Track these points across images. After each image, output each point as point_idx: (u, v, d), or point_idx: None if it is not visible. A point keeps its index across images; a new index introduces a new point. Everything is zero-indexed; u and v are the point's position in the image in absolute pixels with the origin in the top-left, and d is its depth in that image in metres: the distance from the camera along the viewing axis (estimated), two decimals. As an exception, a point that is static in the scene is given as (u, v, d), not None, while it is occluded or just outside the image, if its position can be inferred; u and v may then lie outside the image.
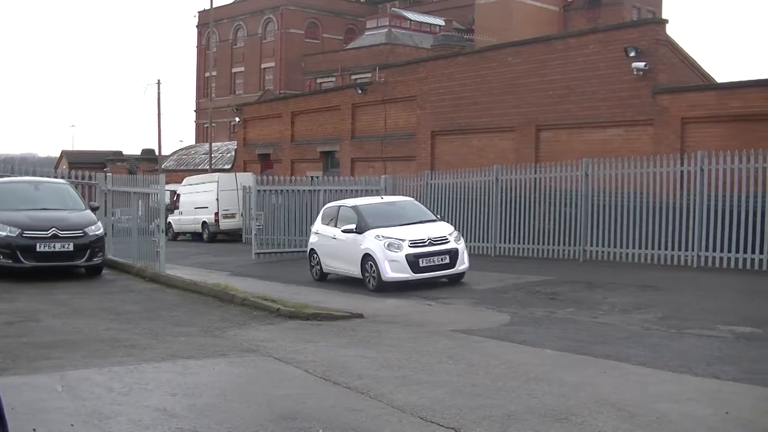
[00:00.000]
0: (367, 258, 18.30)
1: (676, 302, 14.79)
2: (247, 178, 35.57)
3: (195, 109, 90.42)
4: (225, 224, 37.93)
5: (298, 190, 28.60)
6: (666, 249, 20.80)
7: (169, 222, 38.06)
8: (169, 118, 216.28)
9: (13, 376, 8.99)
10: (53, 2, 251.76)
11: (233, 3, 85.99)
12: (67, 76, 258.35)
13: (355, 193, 26.82)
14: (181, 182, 42.57)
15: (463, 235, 20.27)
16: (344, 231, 19.28)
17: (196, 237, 39.75)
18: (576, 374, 9.29)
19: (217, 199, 37.72)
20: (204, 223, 38.77)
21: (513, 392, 8.42)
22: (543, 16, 64.90)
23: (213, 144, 54.67)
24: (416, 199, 22.44)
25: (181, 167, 57.56)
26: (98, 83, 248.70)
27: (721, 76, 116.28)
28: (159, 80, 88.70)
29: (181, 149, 65.37)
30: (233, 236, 37.52)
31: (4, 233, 17.07)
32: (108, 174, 26.15)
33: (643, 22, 32.68)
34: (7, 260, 17.12)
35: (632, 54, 24.41)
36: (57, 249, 17.33)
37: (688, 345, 10.95)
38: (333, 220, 20.34)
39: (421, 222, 19.13)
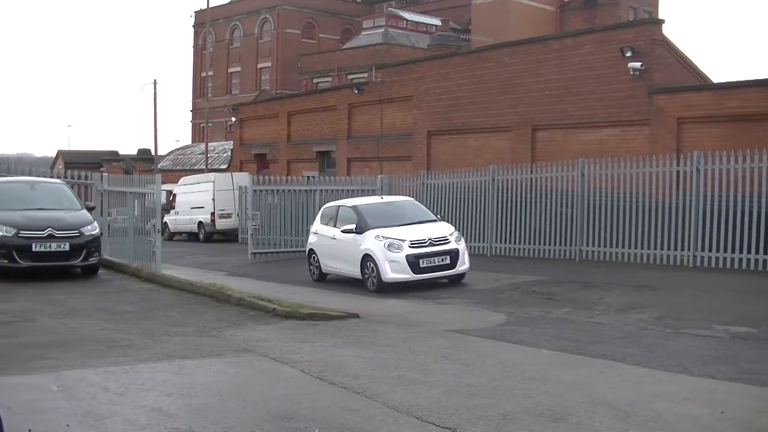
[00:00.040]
0: (367, 258, 18.20)
1: (672, 302, 14.81)
2: (243, 178, 35.53)
3: (191, 109, 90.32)
4: (221, 224, 37.90)
5: (295, 190, 28.62)
6: (662, 249, 20.82)
7: (165, 222, 38.11)
8: (165, 118, 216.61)
9: (9, 376, 8.98)
10: (50, 2, 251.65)
11: (230, 3, 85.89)
12: (63, 75, 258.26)
13: (352, 193, 26.83)
14: (177, 182, 42.51)
15: (459, 235, 20.24)
16: (344, 231, 19.18)
17: (192, 237, 39.72)
18: (572, 374, 9.29)
19: (214, 199, 37.69)
20: (200, 223, 38.75)
21: (509, 392, 8.43)
22: (539, 16, 64.89)
23: (209, 144, 54.59)
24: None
25: (178, 167, 57.54)
26: (94, 83, 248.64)
27: (717, 76, 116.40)
28: (155, 80, 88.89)
29: (178, 149, 65.38)
30: (229, 236, 37.51)
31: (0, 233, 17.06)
32: (104, 174, 26.19)
33: (640, 22, 32.66)
34: (3, 260, 17.10)
35: (628, 54, 24.41)
36: (53, 249, 17.32)
37: (684, 345, 10.96)
38: (332, 220, 20.25)
39: (421, 222, 19.05)
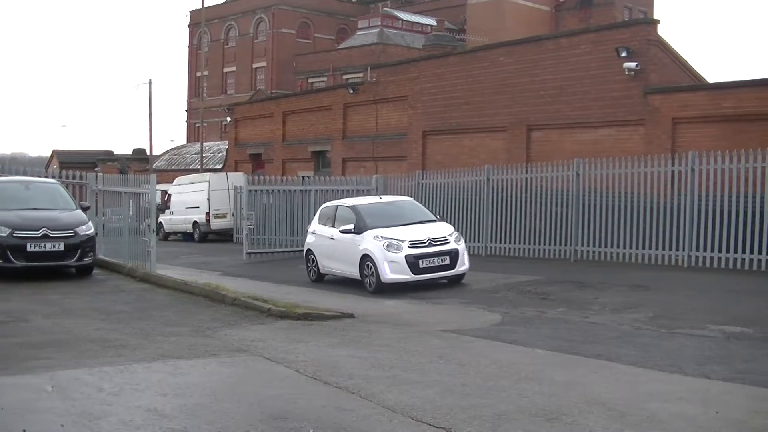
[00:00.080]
0: (365, 259, 18.07)
1: (666, 302, 14.82)
2: (238, 178, 35.56)
3: (186, 108, 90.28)
4: (216, 224, 37.90)
5: (290, 190, 28.60)
6: (657, 249, 20.83)
7: (160, 222, 38.05)
8: (160, 118, 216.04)
9: (3, 376, 8.96)
10: (44, 2, 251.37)
11: (225, 3, 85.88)
12: (58, 75, 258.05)
13: (347, 193, 26.82)
14: (172, 182, 42.54)
15: (454, 235, 20.22)
16: (342, 231, 19.03)
17: (187, 237, 39.71)
18: (566, 374, 9.30)
19: (208, 199, 37.68)
20: (195, 222, 38.74)
21: (503, 392, 8.43)
22: (535, 16, 64.99)
23: (204, 144, 54.61)
24: (409, 199, 22.36)
25: (172, 167, 57.51)
26: (89, 83, 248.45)
27: (712, 76, 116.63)
28: (150, 80, 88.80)
29: (172, 149, 65.31)
30: (224, 236, 37.47)
31: (-6, 233, 17.05)
32: (99, 174, 26.12)
33: (635, 22, 32.73)
34: (-3, 260, 17.10)
35: (623, 54, 24.43)
36: (48, 249, 17.30)
37: (678, 345, 10.97)
38: (330, 220, 20.14)
39: (420, 222, 18.94)
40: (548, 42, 28.18)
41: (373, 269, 17.82)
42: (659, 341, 11.26)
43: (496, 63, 29.10)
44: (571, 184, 22.84)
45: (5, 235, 17.00)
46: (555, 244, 23.27)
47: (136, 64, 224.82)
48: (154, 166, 58.66)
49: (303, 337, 11.87)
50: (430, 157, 31.97)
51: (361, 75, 45.36)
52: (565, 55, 26.67)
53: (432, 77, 31.87)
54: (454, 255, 18.00)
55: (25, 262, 17.19)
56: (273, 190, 28.49)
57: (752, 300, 15.05)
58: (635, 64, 24.23)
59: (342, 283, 19.33)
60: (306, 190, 28.34)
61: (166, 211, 40.36)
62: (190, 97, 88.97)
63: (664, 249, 20.68)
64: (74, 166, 36.40)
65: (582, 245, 22.52)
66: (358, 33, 71.83)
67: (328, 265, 19.99)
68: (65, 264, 17.89)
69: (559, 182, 23.31)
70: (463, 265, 18.24)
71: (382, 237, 17.94)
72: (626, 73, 24.48)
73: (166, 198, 40.63)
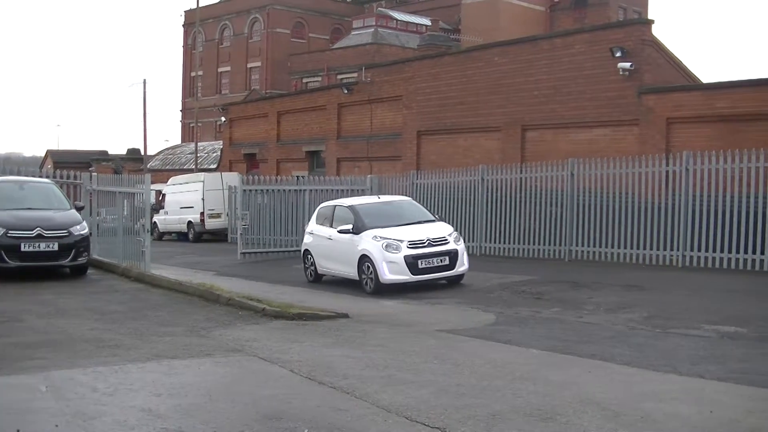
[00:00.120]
0: (364, 259, 17.94)
1: (661, 302, 14.84)
2: (232, 178, 35.51)
3: (181, 108, 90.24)
4: (210, 224, 37.86)
5: (284, 190, 28.62)
6: (651, 249, 20.86)
7: (155, 222, 38.07)
8: (154, 118, 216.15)
9: (-3, 376, 8.96)
10: (39, 1, 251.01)
11: (219, 2, 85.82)
12: (52, 75, 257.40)
13: (341, 193, 26.83)
14: (166, 182, 42.46)
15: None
16: (340, 231, 18.86)
17: (181, 237, 39.66)
18: (561, 374, 9.31)
19: (203, 199, 37.64)
20: (189, 222, 38.70)
21: (498, 392, 8.43)
22: (529, 16, 64.98)
23: (199, 144, 54.53)
24: (405, 199, 22.30)
25: (167, 167, 57.46)
26: (84, 82, 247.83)
27: (706, 76, 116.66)
28: (144, 80, 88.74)
29: (167, 149, 65.25)
30: (219, 236, 37.45)
31: (-12, 233, 17.01)
32: (93, 173, 26.10)
33: (629, 22, 32.72)
34: (-9, 260, 17.07)
35: (618, 54, 24.44)
36: (42, 249, 17.27)
37: (672, 344, 10.99)
38: (328, 220, 20.02)
39: (419, 222, 18.81)
40: (543, 42, 28.18)
41: (371, 270, 17.70)
42: (654, 341, 11.28)
43: (491, 63, 29.09)
44: (565, 184, 22.86)
45: (-1, 234, 17.00)
46: (549, 244, 23.29)
47: (131, 63, 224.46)
48: (148, 165, 58.59)
49: (298, 337, 11.87)
50: (425, 157, 31.96)
51: (355, 75, 45.39)
52: (560, 55, 26.67)
53: (426, 77, 31.86)
54: (453, 255, 17.88)
55: (19, 262, 17.16)
56: (267, 190, 28.52)
57: (747, 300, 15.08)
58: (630, 64, 24.23)
59: (340, 284, 19.27)
60: (300, 190, 28.34)
61: (161, 211, 40.34)
62: (184, 96, 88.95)
63: (658, 249, 20.71)
64: (68, 165, 36.26)
65: (576, 245, 22.54)
66: (353, 33, 71.82)
67: (326, 265, 19.87)
68: (59, 264, 17.86)
69: (553, 182, 23.32)
70: (462, 265, 18.13)
71: (380, 237, 17.82)
72: (621, 73, 24.48)
73: (160, 198, 40.57)
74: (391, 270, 17.45)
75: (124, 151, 69.47)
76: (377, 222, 18.50)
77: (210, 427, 7.19)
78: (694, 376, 9.04)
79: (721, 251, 19.39)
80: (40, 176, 22.45)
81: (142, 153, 64.07)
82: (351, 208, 19.40)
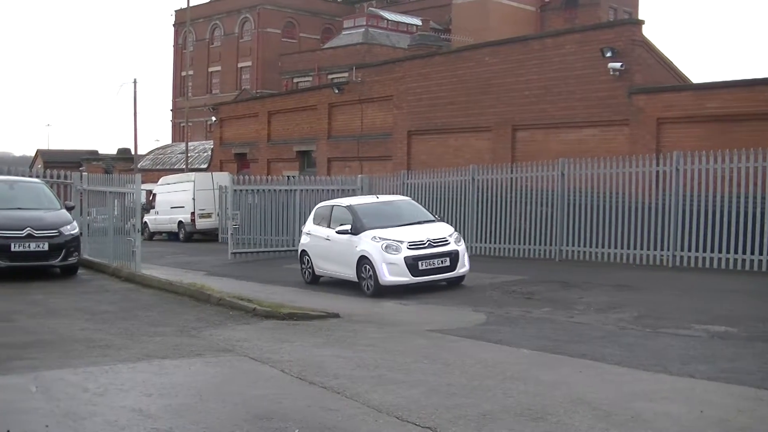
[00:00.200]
0: (363, 260, 17.63)
1: (651, 302, 14.86)
2: (223, 178, 35.48)
3: (171, 108, 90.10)
4: (201, 224, 37.84)
5: (275, 190, 28.62)
6: (641, 249, 20.90)
7: (145, 221, 38.04)
8: (145, 118, 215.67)
9: (-13, 376, 8.93)
10: (29, 0, 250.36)
11: (210, 2, 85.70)
12: (42, 74, 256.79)
13: (332, 193, 26.83)
14: (157, 182, 42.42)
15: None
16: (339, 232, 18.54)
17: (172, 237, 39.63)
18: (552, 373, 9.31)
19: (194, 199, 37.61)
20: (180, 222, 38.67)
21: (489, 391, 8.44)
22: (520, 16, 64.99)
23: (189, 143, 54.41)
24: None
25: (158, 166, 57.40)
26: (74, 82, 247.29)
27: (697, 76, 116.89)
28: (135, 79, 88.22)
29: (158, 148, 65.18)
30: (209, 236, 37.43)
31: (-23, 233, 16.96)
32: (84, 173, 26.04)
33: (620, 22, 32.73)
34: (-19, 260, 17.02)
35: (608, 54, 24.47)
36: (32, 249, 17.22)
37: (663, 344, 11.01)
38: (326, 220, 19.76)
39: (419, 223, 18.53)
40: (533, 42, 28.21)
41: (371, 271, 17.39)
42: (644, 341, 11.30)
43: (481, 63, 29.11)
44: (556, 184, 22.89)
45: (-11, 235, 16.94)
46: (540, 244, 23.32)
47: (121, 63, 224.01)
48: (139, 165, 58.48)
49: (288, 336, 11.86)
50: (415, 156, 31.97)
51: (346, 75, 45.43)
52: (550, 55, 26.70)
53: (417, 77, 31.87)
54: (454, 256, 17.62)
55: (9, 262, 17.10)
56: (258, 190, 28.52)
57: (737, 299, 15.10)
58: (620, 64, 24.27)
59: (337, 285, 19.06)
60: (291, 190, 28.33)
61: (151, 210, 40.31)
62: (175, 96, 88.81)
63: (648, 249, 20.75)
64: (59, 165, 36.17)
65: (567, 245, 22.58)
66: (344, 33, 71.79)
67: (323, 266, 19.58)
68: (50, 264, 17.81)
69: (544, 182, 23.35)
70: (463, 266, 17.87)
71: (380, 238, 17.53)
72: (611, 73, 24.51)
73: (151, 198, 40.53)
74: (391, 272, 17.15)
75: (114, 151, 69.35)
76: (376, 222, 18.22)
77: (200, 427, 7.18)
78: (685, 376, 9.05)
79: (712, 251, 19.44)
80: (31, 176, 22.37)
81: (133, 152, 63.92)
82: (349, 208, 19.12)
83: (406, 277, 17.19)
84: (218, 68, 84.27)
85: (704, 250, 19.58)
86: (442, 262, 17.46)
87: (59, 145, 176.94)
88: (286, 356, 10.30)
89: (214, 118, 47.48)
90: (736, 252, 19.02)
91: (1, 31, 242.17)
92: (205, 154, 52.63)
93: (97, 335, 11.64)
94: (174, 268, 23.03)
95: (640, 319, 13.02)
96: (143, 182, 21.73)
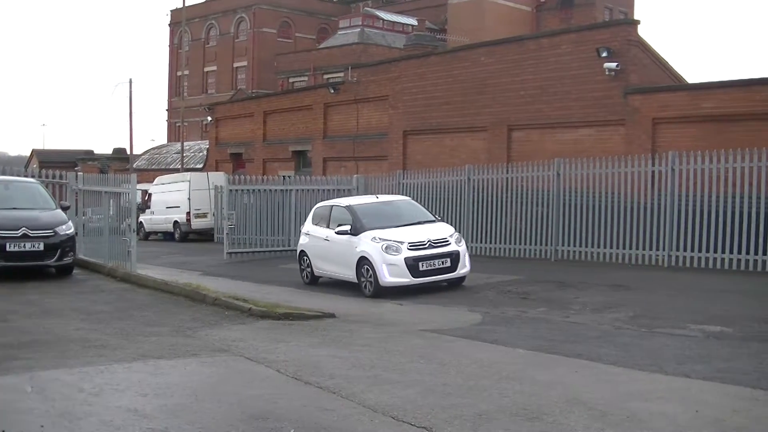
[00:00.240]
0: (363, 261, 17.45)
1: (647, 301, 14.86)
2: (219, 178, 35.49)
3: (167, 108, 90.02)
4: (197, 224, 37.81)
5: (270, 190, 28.60)
6: (637, 249, 20.91)
7: (141, 221, 37.97)
8: (140, 117, 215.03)
9: (-18, 376, 8.91)
10: (24, 0, 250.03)
11: (206, 2, 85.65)
12: (38, 74, 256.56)
13: (328, 193, 26.82)
14: (152, 181, 42.41)
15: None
16: (338, 232, 18.34)
17: (167, 236, 39.59)
18: (547, 373, 9.31)
19: (189, 199, 37.59)
20: (176, 222, 38.64)
21: (484, 391, 8.43)
22: (516, 17, 65.07)
23: (185, 143, 54.46)
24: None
25: (153, 166, 57.34)
26: (69, 82, 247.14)
27: (692, 77, 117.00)
28: (131, 79, 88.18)
29: (153, 148, 65.09)
30: (205, 236, 37.37)
31: (-27, 233, 16.93)
32: (79, 173, 26.01)
33: (615, 22, 32.80)
34: (-24, 260, 16.99)
35: (604, 54, 24.50)
36: (27, 249, 17.19)
37: (658, 344, 11.01)
38: (325, 220, 19.56)
39: (419, 223, 18.33)
40: (529, 42, 28.23)
41: (371, 272, 17.21)
42: (640, 341, 11.30)
43: (477, 63, 29.12)
44: (551, 183, 22.90)
45: (-16, 235, 16.91)
46: (535, 244, 23.33)
47: (117, 63, 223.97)
48: (134, 165, 58.42)
49: (284, 336, 11.86)
50: (411, 156, 31.98)
51: (342, 75, 45.32)
52: (546, 55, 26.72)
53: (413, 77, 31.88)
54: (455, 257, 17.43)
55: (5, 262, 17.07)
56: (254, 190, 28.49)
57: (732, 299, 15.10)
58: (616, 64, 24.30)
59: (336, 286, 18.94)
60: (287, 190, 28.32)
61: (147, 210, 40.27)
62: (170, 96, 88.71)
63: (644, 249, 20.76)
64: (54, 165, 36.23)
65: (562, 245, 22.58)
66: (339, 33, 71.72)
67: (322, 267, 19.40)
68: (45, 264, 17.78)
69: (539, 182, 23.36)
70: (464, 267, 17.69)
71: (380, 238, 17.35)
72: (607, 73, 24.55)
73: (146, 198, 40.53)
74: (391, 272, 16.98)
75: (110, 151, 69.26)
76: (376, 223, 18.03)
77: (196, 427, 7.18)
78: (680, 376, 9.06)
79: (707, 251, 19.45)
80: (26, 176, 22.36)
81: (128, 152, 63.79)
82: (348, 208, 18.93)
83: (406, 278, 17.03)
84: (214, 68, 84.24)
85: (700, 250, 19.59)
86: (442, 262, 17.29)
87: (55, 145, 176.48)
88: (282, 356, 10.29)
89: (209, 118, 47.47)
90: (731, 252, 19.04)
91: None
92: (201, 154, 52.58)
93: (93, 335, 11.62)
94: (169, 268, 23.01)
95: (636, 319, 13.02)
96: (139, 182, 21.77)
